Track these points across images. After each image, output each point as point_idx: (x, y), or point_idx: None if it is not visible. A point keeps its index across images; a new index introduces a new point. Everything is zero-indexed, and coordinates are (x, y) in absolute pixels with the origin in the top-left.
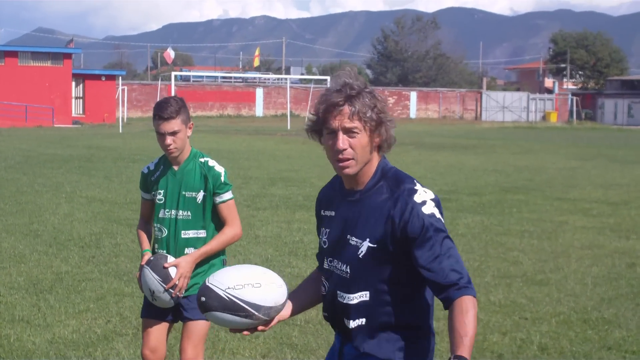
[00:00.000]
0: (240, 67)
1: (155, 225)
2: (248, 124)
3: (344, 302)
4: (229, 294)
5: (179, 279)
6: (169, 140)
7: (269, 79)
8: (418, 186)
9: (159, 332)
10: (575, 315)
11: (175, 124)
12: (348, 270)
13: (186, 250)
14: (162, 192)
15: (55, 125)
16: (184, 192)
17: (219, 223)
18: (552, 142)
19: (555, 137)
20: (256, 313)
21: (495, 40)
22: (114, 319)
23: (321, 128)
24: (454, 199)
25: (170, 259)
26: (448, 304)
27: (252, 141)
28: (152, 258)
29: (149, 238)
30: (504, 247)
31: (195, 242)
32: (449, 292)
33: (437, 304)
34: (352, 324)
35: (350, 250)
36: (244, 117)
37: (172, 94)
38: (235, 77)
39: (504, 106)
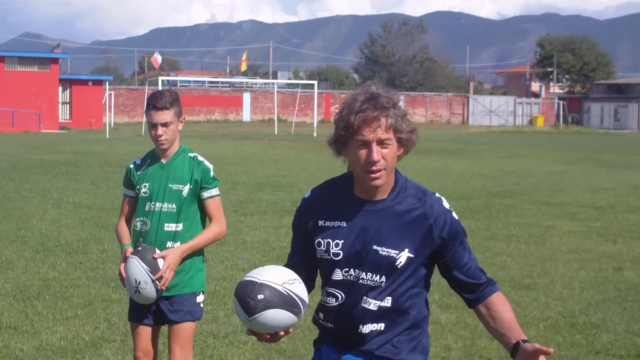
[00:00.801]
0: (228, 71)
1: (138, 218)
2: (235, 129)
3: (367, 307)
4: (286, 288)
5: (165, 270)
6: (160, 130)
7: (256, 84)
8: (439, 195)
9: (148, 334)
10: (563, 319)
11: (167, 115)
12: (383, 279)
13: (168, 244)
14: (147, 185)
15: (42, 131)
16: (170, 185)
17: (198, 219)
18: (539, 146)
19: (542, 142)
20: (302, 309)
21: (482, 44)
22: (101, 326)
23: (348, 139)
24: None
25: (157, 251)
26: (481, 301)
27: (240, 146)
28: (139, 248)
29: (130, 235)
30: (491, 252)
31: (174, 236)
32: (485, 290)
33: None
34: (369, 328)
35: (383, 261)
36: (231, 122)
37: None
38: (222, 82)
39: (491, 110)
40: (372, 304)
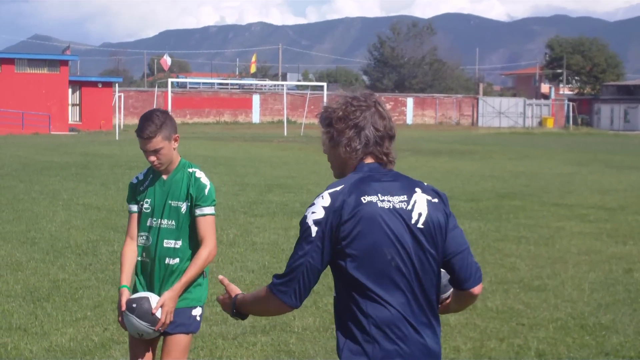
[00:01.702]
0: (237, 73)
1: (141, 233)
2: (245, 131)
3: None
4: None
5: (165, 318)
6: (152, 157)
7: (265, 86)
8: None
9: (145, 344)
10: (573, 321)
11: (156, 143)
12: None
13: (167, 260)
14: (149, 200)
15: (52, 133)
16: (170, 202)
17: (196, 237)
18: (549, 147)
19: (552, 143)
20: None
21: (491, 46)
22: (111, 327)
23: None
24: (450, 205)
25: (153, 297)
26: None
27: (249, 148)
28: (134, 305)
29: (134, 262)
30: (501, 253)
31: (173, 252)
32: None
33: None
34: None
35: None
36: (241, 123)
37: (169, 101)
38: (231, 84)
39: (501, 112)
40: None
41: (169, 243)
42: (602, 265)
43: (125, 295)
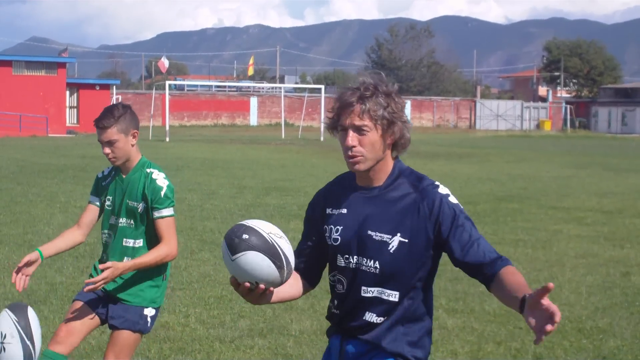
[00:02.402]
0: (235, 76)
1: (104, 231)
2: (242, 133)
3: (370, 296)
4: (272, 238)
5: (98, 281)
6: (106, 149)
7: (263, 88)
8: (437, 182)
9: (74, 309)
10: (570, 324)
11: (110, 134)
12: (377, 265)
13: (125, 259)
14: (110, 198)
15: (50, 135)
16: (127, 201)
17: (156, 238)
18: (546, 150)
19: (549, 146)
20: (285, 267)
21: (489, 49)
22: (108, 330)
23: (337, 125)
24: None
25: (31, 312)
26: (492, 277)
27: (247, 150)
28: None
29: (66, 247)
30: None
31: (132, 252)
32: (494, 267)
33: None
34: (369, 317)
35: (377, 246)
36: (238, 126)
37: (167, 103)
38: (229, 86)
39: (498, 115)
40: (371, 292)
41: (127, 242)
42: (600, 269)
43: (33, 256)
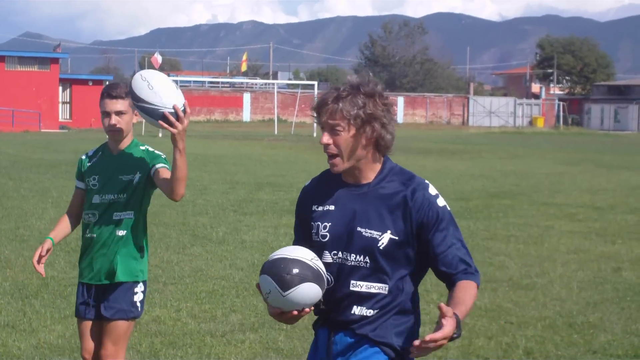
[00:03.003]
0: (228, 72)
1: (87, 212)
2: (235, 129)
3: (358, 290)
4: (316, 264)
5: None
6: (114, 119)
7: (256, 84)
8: (426, 181)
9: (85, 333)
10: (561, 319)
11: (122, 105)
12: (367, 260)
13: (118, 232)
14: (96, 177)
15: (42, 130)
16: (120, 176)
17: (145, 209)
18: (539, 147)
19: (542, 142)
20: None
21: (482, 46)
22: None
23: (320, 124)
24: None
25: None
26: (451, 286)
27: (239, 146)
28: None
29: (69, 230)
30: (490, 252)
31: (126, 224)
32: (456, 277)
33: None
34: (360, 311)
35: (366, 242)
36: (231, 122)
37: None
38: (222, 82)
39: (491, 111)
40: (360, 286)
41: (118, 215)
42: (591, 264)
43: (48, 245)
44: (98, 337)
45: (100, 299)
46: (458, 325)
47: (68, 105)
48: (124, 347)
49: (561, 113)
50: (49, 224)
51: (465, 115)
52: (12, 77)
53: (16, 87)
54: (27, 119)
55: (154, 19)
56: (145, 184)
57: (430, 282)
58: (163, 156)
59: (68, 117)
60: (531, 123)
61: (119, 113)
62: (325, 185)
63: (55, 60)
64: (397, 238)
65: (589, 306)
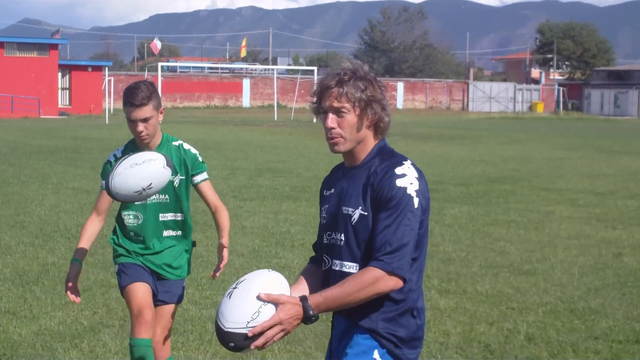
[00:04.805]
0: (227, 57)
1: (128, 213)
2: (235, 115)
3: (338, 269)
4: (250, 327)
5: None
6: (140, 127)
7: (255, 70)
8: (407, 163)
9: (143, 292)
10: (562, 305)
11: (147, 111)
12: (342, 238)
13: (165, 233)
14: None
15: (42, 117)
16: None
17: (188, 207)
18: (539, 132)
19: (542, 128)
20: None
21: (482, 31)
22: (100, 310)
23: (319, 109)
24: (440, 189)
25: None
26: (364, 265)
27: (239, 132)
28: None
29: (92, 242)
30: (490, 238)
31: (174, 225)
32: (371, 261)
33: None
34: None
35: (345, 220)
36: (231, 108)
37: (159, 85)
38: (222, 68)
39: (491, 97)
40: (337, 265)
41: (165, 217)
42: (592, 250)
43: (75, 269)
44: (148, 296)
45: (157, 282)
46: (306, 310)
47: (67, 91)
48: (171, 329)
49: (561, 98)
50: (48, 210)
51: (465, 100)
52: (11, 63)
53: (15, 74)
54: (26, 105)
55: (153, 4)
56: (185, 186)
57: (431, 268)
58: (200, 159)
59: (67, 103)
60: (531, 108)
61: (144, 120)
62: (335, 172)
63: (54, 46)
64: (365, 214)
65: (590, 292)
